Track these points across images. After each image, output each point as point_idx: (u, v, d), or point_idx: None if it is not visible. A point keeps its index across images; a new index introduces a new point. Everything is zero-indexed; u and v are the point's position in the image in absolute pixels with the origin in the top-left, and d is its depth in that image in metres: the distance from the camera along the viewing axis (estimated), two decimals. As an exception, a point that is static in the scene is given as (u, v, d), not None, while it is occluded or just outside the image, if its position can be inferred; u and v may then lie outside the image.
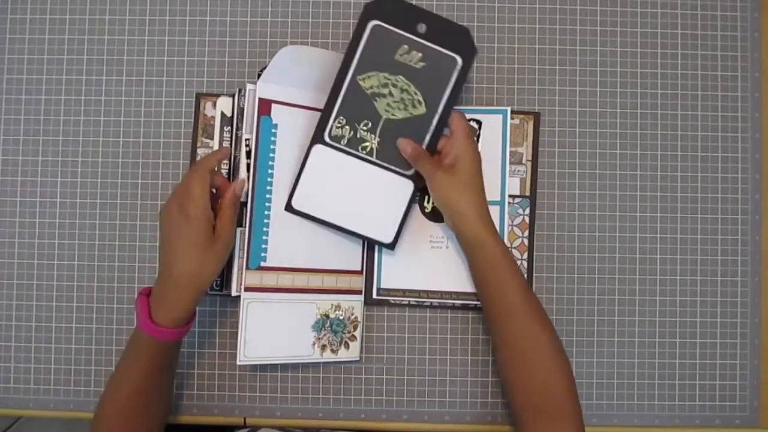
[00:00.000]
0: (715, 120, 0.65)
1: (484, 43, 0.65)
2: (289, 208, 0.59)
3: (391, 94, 0.57)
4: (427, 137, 0.58)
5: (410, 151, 0.57)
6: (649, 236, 0.64)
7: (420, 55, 0.57)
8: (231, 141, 0.62)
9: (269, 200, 0.59)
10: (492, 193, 0.62)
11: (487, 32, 0.65)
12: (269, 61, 0.59)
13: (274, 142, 0.59)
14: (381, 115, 0.58)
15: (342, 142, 0.58)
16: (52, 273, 0.64)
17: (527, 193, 0.63)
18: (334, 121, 0.58)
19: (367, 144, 0.58)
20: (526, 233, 0.63)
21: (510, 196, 0.63)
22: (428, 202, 0.63)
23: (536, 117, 0.64)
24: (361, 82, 0.57)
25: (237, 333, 0.62)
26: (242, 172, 0.59)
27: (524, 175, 0.64)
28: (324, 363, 0.63)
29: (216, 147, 0.63)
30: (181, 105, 0.65)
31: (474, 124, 0.63)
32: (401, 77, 0.57)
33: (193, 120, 0.64)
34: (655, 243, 0.64)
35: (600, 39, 0.65)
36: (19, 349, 0.64)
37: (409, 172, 0.59)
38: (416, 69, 0.57)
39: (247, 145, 0.59)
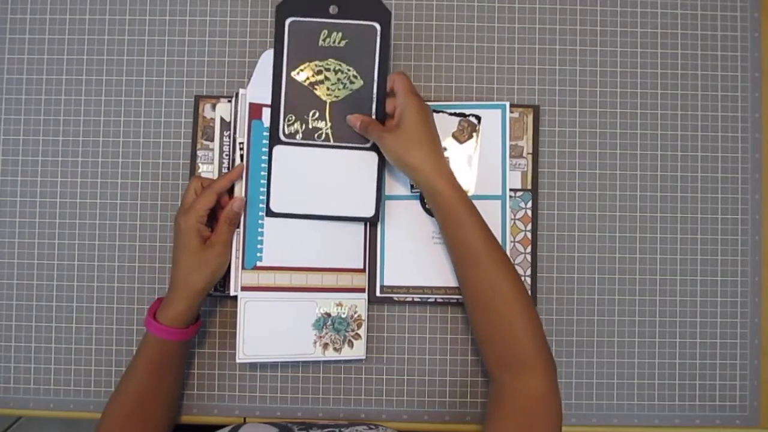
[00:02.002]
0: (715, 120, 0.65)
1: (484, 43, 0.65)
2: (269, 213, 0.60)
3: (327, 78, 0.60)
4: (373, 106, 0.60)
5: (359, 123, 0.59)
6: (649, 236, 0.64)
7: (340, 34, 0.59)
8: (230, 145, 0.62)
9: (263, 201, 0.60)
10: (493, 187, 0.63)
11: (487, 32, 0.65)
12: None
13: (266, 145, 0.60)
14: (324, 101, 0.60)
15: (298, 137, 0.60)
16: (52, 273, 0.64)
17: (529, 187, 0.63)
18: (284, 121, 0.60)
19: (321, 131, 0.60)
20: (529, 227, 0.63)
21: (511, 190, 0.63)
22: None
23: (536, 110, 0.64)
24: (296, 77, 0.59)
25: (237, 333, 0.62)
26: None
27: (525, 169, 0.64)
28: (326, 362, 0.63)
29: (216, 150, 0.63)
30: (181, 105, 0.65)
31: (473, 120, 0.63)
32: (331, 60, 0.59)
33: (193, 116, 0.64)
34: (655, 243, 0.64)
35: (600, 39, 0.65)
36: (19, 349, 0.64)
37: (368, 144, 0.61)
38: (341, 48, 0.59)
39: (240, 148, 0.60)
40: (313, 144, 0.60)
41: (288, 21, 0.59)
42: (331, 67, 0.59)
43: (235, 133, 0.61)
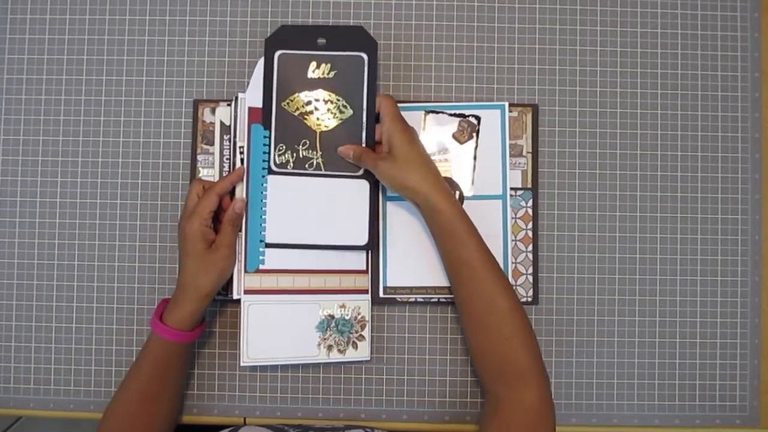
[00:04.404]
0: (715, 120, 0.65)
1: (484, 43, 0.65)
2: (266, 244, 0.60)
3: (316, 108, 0.60)
4: (363, 134, 0.60)
5: (352, 154, 0.59)
6: (649, 236, 0.64)
7: (329, 65, 0.60)
8: (230, 149, 0.62)
9: (264, 204, 0.60)
10: (494, 187, 0.63)
11: (487, 32, 0.65)
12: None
13: (266, 149, 0.60)
14: (315, 131, 0.60)
15: (289, 167, 0.60)
16: (52, 273, 0.64)
17: (529, 185, 0.64)
18: (275, 151, 0.60)
19: (312, 160, 0.60)
20: (530, 225, 0.63)
21: (512, 189, 0.63)
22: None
23: (534, 109, 0.64)
24: (286, 108, 0.60)
25: (237, 333, 0.62)
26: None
27: (525, 167, 0.64)
28: (328, 363, 0.63)
29: (217, 154, 0.63)
30: (181, 105, 0.65)
31: (473, 120, 0.63)
32: (320, 90, 0.60)
33: (192, 120, 0.64)
34: (655, 243, 0.64)
35: (600, 39, 0.65)
36: (19, 349, 0.64)
37: (360, 173, 0.61)
38: (330, 79, 0.60)
39: (241, 152, 0.60)
40: (305, 173, 0.60)
41: (277, 54, 0.60)
42: (321, 98, 0.60)
43: (235, 137, 0.61)
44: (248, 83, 0.61)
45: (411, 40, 0.65)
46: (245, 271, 0.59)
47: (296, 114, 0.60)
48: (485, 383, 0.56)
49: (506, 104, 0.63)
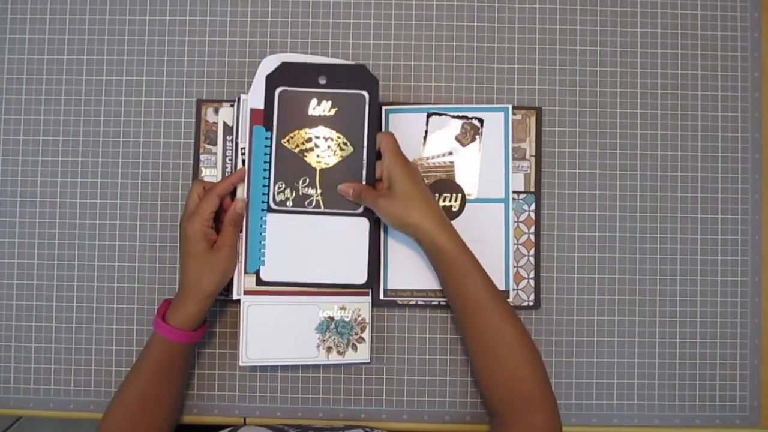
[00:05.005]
0: (715, 120, 0.65)
1: (484, 43, 0.65)
2: (260, 282, 0.60)
3: (316, 146, 0.60)
4: (363, 172, 0.60)
5: (352, 192, 0.59)
6: (649, 236, 0.64)
7: (330, 102, 0.60)
8: (233, 150, 0.62)
9: (264, 205, 0.60)
10: (496, 190, 0.63)
11: (487, 32, 0.65)
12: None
13: (267, 150, 0.60)
14: (314, 168, 0.60)
15: (288, 204, 0.60)
16: (52, 273, 0.64)
17: (532, 189, 0.64)
18: (274, 188, 0.60)
19: (312, 198, 0.60)
20: (532, 229, 0.63)
21: (514, 192, 0.63)
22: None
23: (538, 112, 0.64)
24: (286, 145, 0.60)
25: (237, 333, 0.62)
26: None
27: (528, 171, 0.64)
28: (328, 365, 0.63)
29: (219, 155, 0.63)
30: (181, 105, 0.65)
31: (476, 122, 0.63)
32: (321, 127, 0.60)
33: (194, 120, 0.64)
34: (655, 243, 0.64)
35: (600, 39, 0.65)
36: (19, 349, 0.64)
37: (359, 210, 0.61)
38: (331, 116, 0.60)
39: (242, 153, 0.60)
40: (305, 211, 0.60)
41: (278, 90, 0.60)
42: (321, 135, 0.60)
43: (237, 138, 0.61)
44: (249, 83, 0.61)
45: (411, 41, 0.65)
46: (245, 272, 0.59)
47: (296, 151, 0.60)
48: (492, 407, 0.56)
49: (509, 107, 0.63)
